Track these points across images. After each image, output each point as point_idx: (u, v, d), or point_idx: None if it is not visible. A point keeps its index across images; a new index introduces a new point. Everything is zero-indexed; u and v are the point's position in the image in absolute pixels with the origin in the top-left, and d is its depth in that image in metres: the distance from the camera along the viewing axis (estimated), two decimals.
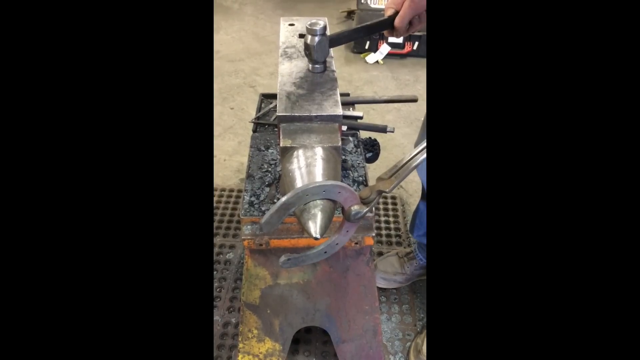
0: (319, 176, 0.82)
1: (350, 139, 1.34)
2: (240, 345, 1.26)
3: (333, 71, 1.03)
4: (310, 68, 1.03)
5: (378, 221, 1.97)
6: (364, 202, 0.78)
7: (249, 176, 1.20)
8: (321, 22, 0.98)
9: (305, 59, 1.04)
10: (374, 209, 0.84)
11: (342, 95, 1.06)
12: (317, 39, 0.97)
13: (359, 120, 1.38)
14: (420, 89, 2.94)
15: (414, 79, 3.07)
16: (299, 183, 0.83)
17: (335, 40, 1.02)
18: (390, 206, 2.06)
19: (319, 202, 0.73)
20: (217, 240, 1.87)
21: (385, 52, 3.25)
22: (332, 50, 1.05)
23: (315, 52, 0.99)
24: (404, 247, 1.85)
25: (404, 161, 0.82)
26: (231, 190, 2.12)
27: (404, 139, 2.46)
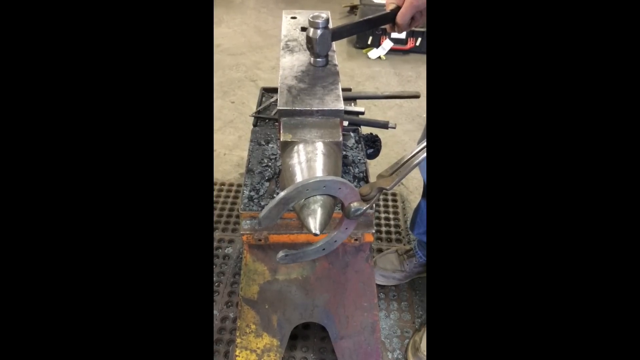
0: (319, 171, 0.81)
1: (352, 134, 1.33)
2: (238, 340, 1.26)
3: (335, 65, 1.02)
4: (312, 62, 1.02)
5: (378, 218, 1.96)
6: (364, 199, 0.77)
7: (249, 171, 1.19)
8: (324, 14, 0.96)
9: (307, 52, 1.03)
10: (374, 205, 0.83)
11: (343, 90, 1.05)
12: (319, 32, 0.96)
13: (360, 116, 1.37)
14: (422, 85, 2.93)
15: (416, 75, 3.05)
16: (299, 178, 0.82)
17: (338, 34, 1.01)
18: (390, 203, 2.05)
19: (319, 197, 0.72)
20: (216, 234, 1.86)
21: (388, 48, 3.24)
22: (334, 45, 1.04)
23: (318, 45, 0.98)
24: (404, 245, 1.84)
25: (406, 159, 0.82)
26: (231, 185, 2.12)
27: (405, 135, 2.45)
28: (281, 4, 3.96)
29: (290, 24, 1.16)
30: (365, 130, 1.38)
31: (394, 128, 1.33)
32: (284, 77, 0.98)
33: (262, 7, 3.95)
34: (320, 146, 0.86)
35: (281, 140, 0.87)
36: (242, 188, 1.14)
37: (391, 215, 1.98)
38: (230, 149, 2.36)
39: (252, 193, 1.12)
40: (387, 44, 3.23)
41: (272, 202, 0.68)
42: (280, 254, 0.76)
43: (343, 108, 0.91)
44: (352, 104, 1.42)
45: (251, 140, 1.30)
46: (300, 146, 0.86)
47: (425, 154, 0.80)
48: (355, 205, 0.75)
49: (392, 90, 2.87)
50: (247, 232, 1.09)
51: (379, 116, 2.54)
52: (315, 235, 0.71)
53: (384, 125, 1.32)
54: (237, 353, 1.27)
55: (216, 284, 1.67)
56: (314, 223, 0.71)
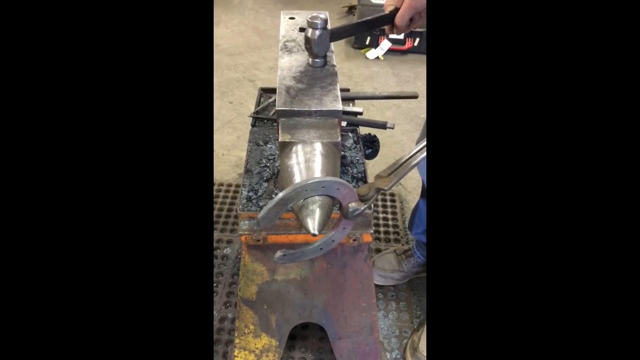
0: (317, 172, 0.81)
1: (350, 134, 1.33)
2: (237, 340, 1.26)
3: (333, 66, 1.02)
4: (310, 62, 1.02)
5: (376, 218, 1.96)
6: (362, 199, 0.77)
7: (247, 171, 1.19)
8: (322, 15, 0.96)
9: (306, 53, 1.03)
10: (372, 206, 0.83)
11: (342, 90, 1.05)
12: (317, 32, 0.96)
13: (358, 116, 1.37)
14: (420, 85, 2.93)
15: (414, 76, 3.05)
16: (297, 178, 0.82)
17: (336, 35, 1.01)
18: (389, 203, 2.05)
19: (317, 198, 0.72)
20: (215, 235, 1.86)
21: (386, 48, 3.24)
22: (332, 45, 1.04)
23: (316, 46, 0.98)
24: (402, 245, 1.84)
25: (404, 159, 0.82)
26: (229, 185, 2.12)
27: (403, 135, 2.45)
28: (279, 5, 3.96)
29: (289, 25, 1.16)
30: (363, 130, 1.38)
31: (392, 128, 1.33)
32: (282, 77, 0.98)
33: (260, 8, 3.94)
34: (318, 147, 0.86)
35: (279, 140, 0.87)
36: (240, 188, 1.14)
37: (389, 216, 1.99)
38: (229, 149, 2.36)
39: (251, 193, 1.12)
40: (385, 45, 3.23)
41: (271, 203, 0.68)
42: (278, 253, 0.76)
43: (341, 108, 0.91)
44: (351, 104, 1.42)
45: (249, 141, 1.30)
46: (299, 147, 0.86)
47: (423, 154, 0.81)
48: (353, 205, 0.75)
49: (391, 90, 2.87)
50: (246, 232, 1.09)
51: (377, 116, 2.54)
52: (314, 235, 0.71)
53: (382, 126, 1.32)
54: (235, 353, 1.27)
55: (215, 285, 1.67)
56: (313, 223, 0.71)
